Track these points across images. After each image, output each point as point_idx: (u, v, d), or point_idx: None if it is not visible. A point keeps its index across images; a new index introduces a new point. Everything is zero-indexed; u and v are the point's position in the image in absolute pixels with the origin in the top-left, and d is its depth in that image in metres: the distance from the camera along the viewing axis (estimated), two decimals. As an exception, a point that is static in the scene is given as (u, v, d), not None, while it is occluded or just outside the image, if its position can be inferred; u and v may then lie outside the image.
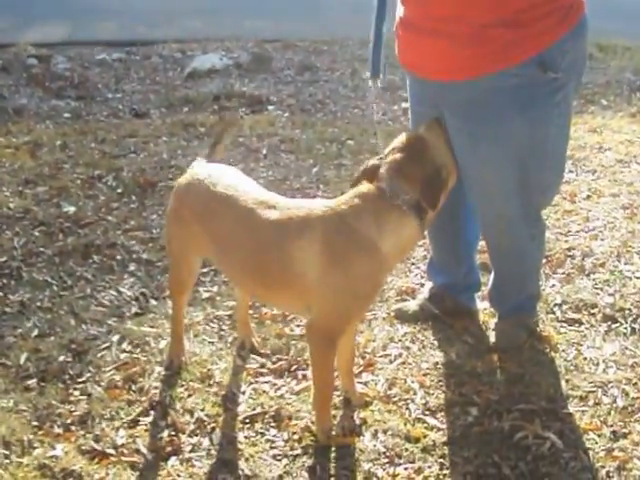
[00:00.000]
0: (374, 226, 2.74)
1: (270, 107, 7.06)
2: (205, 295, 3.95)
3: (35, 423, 3.05)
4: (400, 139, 2.92)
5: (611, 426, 3.08)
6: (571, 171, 5.61)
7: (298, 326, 3.67)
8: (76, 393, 3.23)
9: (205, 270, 4.11)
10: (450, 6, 2.89)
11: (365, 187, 2.82)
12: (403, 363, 3.46)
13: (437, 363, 3.47)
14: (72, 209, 4.76)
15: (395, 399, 3.24)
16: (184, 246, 3.20)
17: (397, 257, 2.93)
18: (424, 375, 3.38)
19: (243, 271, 3.01)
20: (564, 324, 3.78)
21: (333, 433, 3.01)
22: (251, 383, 3.31)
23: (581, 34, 3.01)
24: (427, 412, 3.17)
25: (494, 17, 2.85)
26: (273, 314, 3.77)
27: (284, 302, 3.09)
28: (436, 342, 3.62)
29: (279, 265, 2.81)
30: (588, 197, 5.21)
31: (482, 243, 3.73)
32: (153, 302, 3.91)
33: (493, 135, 3.05)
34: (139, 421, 3.09)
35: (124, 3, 10.68)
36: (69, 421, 3.07)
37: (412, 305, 3.86)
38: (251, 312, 3.66)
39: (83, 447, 2.94)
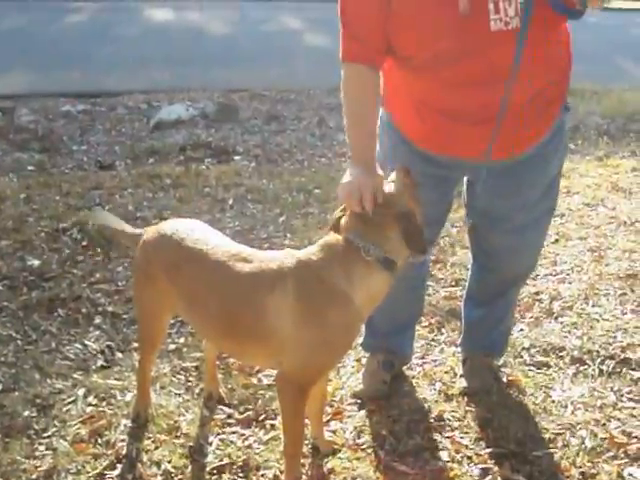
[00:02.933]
0: (344, 278, 2.67)
1: (236, 157, 7.09)
2: (172, 347, 3.92)
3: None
4: None
5: (580, 467, 3.08)
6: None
7: (265, 376, 3.65)
8: (41, 448, 3.18)
9: (172, 322, 4.08)
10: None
11: (332, 238, 2.75)
12: (372, 411, 3.44)
13: (406, 409, 3.45)
14: (36, 262, 4.71)
15: (364, 446, 3.21)
16: (154, 303, 3.13)
17: (370, 308, 2.85)
18: (393, 422, 3.36)
19: (213, 326, 2.94)
20: (532, 367, 3.79)
21: (302, 482, 2.99)
22: (218, 434, 3.27)
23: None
24: (396, 458, 3.14)
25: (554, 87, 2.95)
26: (240, 365, 3.74)
27: (255, 356, 3.00)
28: (404, 389, 3.61)
29: (250, 319, 2.75)
30: (556, 241, 5.25)
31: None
32: (119, 355, 3.87)
33: (537, 182, 3.15)
34: (105, 475, 3.04)
35: (89, 54, 10.71)
36: (34, 476, 3.02)
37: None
38: (218, 363, 3.63)
39: (49, 503, 2.91)
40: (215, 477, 3.03)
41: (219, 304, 2.85)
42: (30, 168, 6.70)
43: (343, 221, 2.75)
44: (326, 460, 3.12)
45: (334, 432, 3.30)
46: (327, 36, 13.75)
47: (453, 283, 4.68)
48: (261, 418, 3.38)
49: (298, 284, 2.67)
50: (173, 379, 3.66)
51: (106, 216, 3.53)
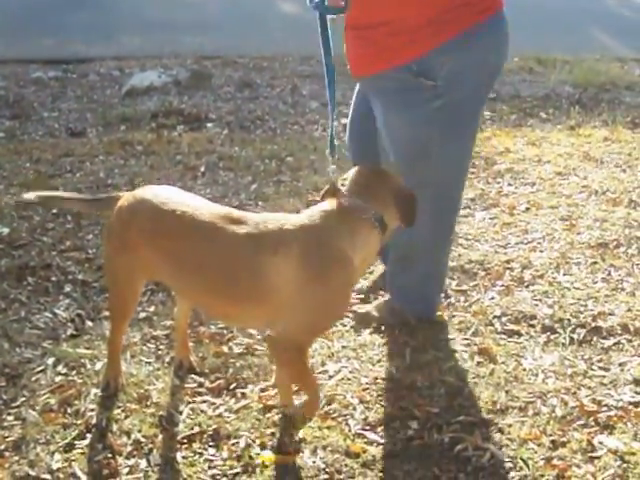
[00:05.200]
0: (348, 240, 2.77)
1: (209, 124, 7.01)
2: (142, 315, 3.90)
3: (-32, 450, 2.99)
4: (359, 168, 3.00)
5: (550, 435, 3.10)
6: (510, 184, 5.67)
7: (236, 345, 3.65)
8: (10, 418, 3.17)
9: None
10: (362, 15, 3.18)
11: (332, 203, 2.84)
12: (342, 379, 3.44)
13: (376, 378, 3.45)
14: (6, 230, 4.67)
15: (334, 415, 3.21)
16: (130, 271, 3.07)
17: (362, 270, 3.00)
18: (363, 390, 3.37)
19: (207, 289, 2.92)
20: (503, 336, 3.79)
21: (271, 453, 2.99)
22: (189, 403, 3.27)
23: (470, 47, 3.14)
24: (367, 427, 3.15)
25: (378, 23, 3.14)
26: (211, 333, 3.73)
27: (249, 318, 3.01)
28: (375, 357, 3.61)
29: (250, 280, 2.76)
30: (527, 209, 5.25)
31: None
32: (89, 323, 3.84)
33: (385, 129, 3.42)
34: (75, 445, 3.03)
35: (60, 20, 10.58)
36: (3, 447, 3.01)
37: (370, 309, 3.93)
38: (189, 332, 3.62)
39: (17, 473, 2.88)
40: (185, 446, 3.03)
41: (215, 267, 2.84)
42: (0, 135, 6.62)
43: (345, 186, 2.89)
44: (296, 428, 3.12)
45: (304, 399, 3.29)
46: (300, 3, 13.68)
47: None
48: (232, 387, 3.37)
49: (304, 247, 2.74)
50: (143, 347, 3.65)
51: (44, 195, 3.42)
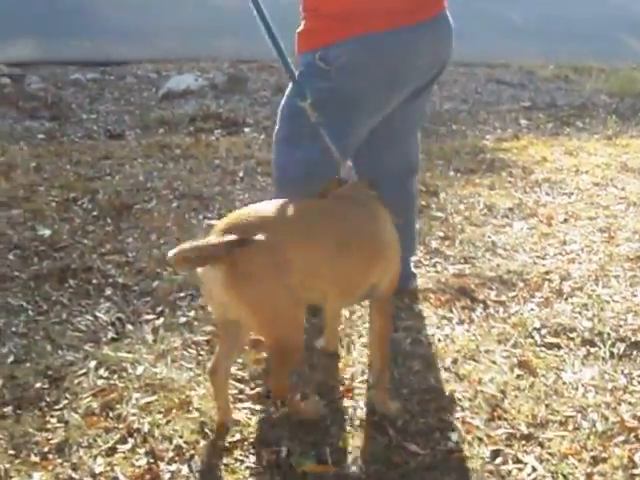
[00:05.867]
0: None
1: (246, 129, 7.05)
2: (182, 320, 3.92)
3: (12, 452, 3.00)
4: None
5: (591, 450, 3.08)
6: (547, 194, 5.66)
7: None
8: (53, 420, 3.18)
9: (182, 294, 4.10)
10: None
11: (355, 185, 3.34)
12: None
13: (416, 388, 3.45)
14: (47, 232, 4.71)
15: (375, 425, 3.22)
16: (295, 295, 2.82)
17: None
18: (404, 400, 3.37)
19: (349, 266, 3.03)
20: (543, 348, 3.78)
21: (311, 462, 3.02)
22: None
23: (362, 46, 3.48)
24: (407, 438, 3.14)
25: (304, 12, 3.63)
26: (251, 340, 3.74)
27: (370, 283, 3.16)
28: (415, 367, 3.61)
29: (374, 244, 3.14)
30: (565, 220, 5.24)
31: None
32: (129, 327, 3.86)
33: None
34: (117, 449, 3.04)
35: (99, 22, 10.63)
36: (46, 449, 3.02)
37: None
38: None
39: (61, 476, 2.89)
40: (227, 453, 3.04)
41: (352, 248, 3.01)
42: (40, 136, 6.67)
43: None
44: (337, 438, 3.13)
45: (345, 410, 3.30)
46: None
47: (462, 261, 4.67)
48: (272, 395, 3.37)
49: (384, 209, 3.26)
50: (184, 353, 3.65)
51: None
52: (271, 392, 3.28)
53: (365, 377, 3.52)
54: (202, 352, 3.67)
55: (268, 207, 2.92)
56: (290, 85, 3.66)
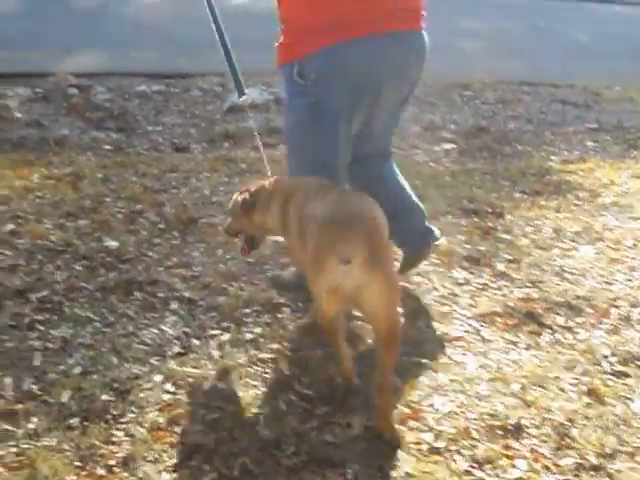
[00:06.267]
0: None
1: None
2: (248, 336, 3.91)
3: (78, 463, 3.01)
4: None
5: (662, 484, 3.03)
6: (615, 218, 5.58)
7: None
8: (119, 434, 3.18)
9: (247, 310, 4.09)
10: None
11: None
12: (448, 413, 3.41)
13: (483, 414, 3.41)
14: (114, 244, 4.73)
15: (441, 450, 3.18)
16: None
17: None
18: (471, 426, 3.33)
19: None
20: (612, 376, 3.73)
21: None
22: (297, 430, 3.25)
23: (331, 60, 3.68)
24: (474, 464, 3.11)
25: (280, 25, 3.88)
26: (319, 358, 3.72)
27: None
28: (482, 392, 3.57)
29: None
30: (634, 245, 5.18)
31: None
32: (195, 342, 3.86)
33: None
34: (182, 465, 3.04)
35: (164, 34, 10.70)
36: (112, 462, 3.03)
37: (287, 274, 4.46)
38: (289, 354, 3.76)
39: (126, 490, 2.91)
40: (292, 473, 3.02)
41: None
42: (107, 147, 6.71)
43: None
44: (402, 464, 3.10)
45: (411, 433, 3.26)
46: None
47: (529, 284, 4.62)
48: (339, 415, 3.35)
49: None
50: (250, 370, 3.64)
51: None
52: (381, 388, 3.25)
53: (431, 401, 3.48)
54: (267, 370, 3.66)
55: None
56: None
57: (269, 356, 3.75)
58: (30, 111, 7.88)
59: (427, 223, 4.43)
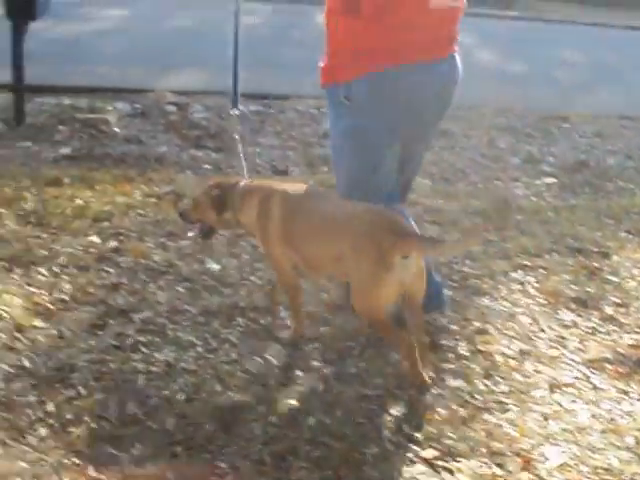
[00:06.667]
0: None
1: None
2: (352, 370, 3.83)
3: (183, 493, 2.96)
4: None
5: None
6: None
7: (445, 408, 3.55)
8: (223, 465, 3.11)
9: (352, 343, 4.01)
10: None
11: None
12: (561, 465, 3.27)
13: (597, 467, 3.27)
14: (216, 267, 4.69)
15: (553, 502, 3.06)
16: None
17: None
18: (584, 479, 3.20)
19: None
20: None
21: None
22: (403, 473, 3.15)
23: (378, 85, 3.74)
24: (589, 520, 2.99)
25: (328, 48, 3.89)
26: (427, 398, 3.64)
27: None
28: (595, 443, 3.43)
29: None
30: None
31: None
32: (299, 373, 3.78)
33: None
34: (288, 502, 2.98)
35: (262, 55, 10.72)
36: (216, 494, 2.97)
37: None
38: (398, 392, 3.66)
39: (231, 524, 2.85)
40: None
41: None
42: (206, 167, 6.72)
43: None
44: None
45: (524, 483, 3.16)
46: (498, 54, 13.57)
47: (638, 330, 4.46)
48: (446, 459, 3.24)
49: None
50: (355, 406, 3.56)
51: None
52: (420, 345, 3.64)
53: (543, 450, 3.36)
54: (373, 407, 3.56)
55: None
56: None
57: (375, 393, 3.66)
58: (129, 126, 7.96)
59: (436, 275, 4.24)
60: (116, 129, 7.89)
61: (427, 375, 3.69)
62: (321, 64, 3.93)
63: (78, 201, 5.59)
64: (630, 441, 3.46)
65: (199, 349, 3.91)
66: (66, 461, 3.07)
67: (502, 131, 8.77)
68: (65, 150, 7.04)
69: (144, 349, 3.86)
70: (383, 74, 3.73)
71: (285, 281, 4.03)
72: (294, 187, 3.97)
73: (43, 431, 3.25)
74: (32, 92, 8.37)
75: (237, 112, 4.44)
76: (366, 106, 3.79)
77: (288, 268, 3.94)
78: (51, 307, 4.18)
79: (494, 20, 18.12)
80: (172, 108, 8.62)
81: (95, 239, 4.98)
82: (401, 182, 4.22)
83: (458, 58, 4.01)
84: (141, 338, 3.94)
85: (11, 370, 3.63)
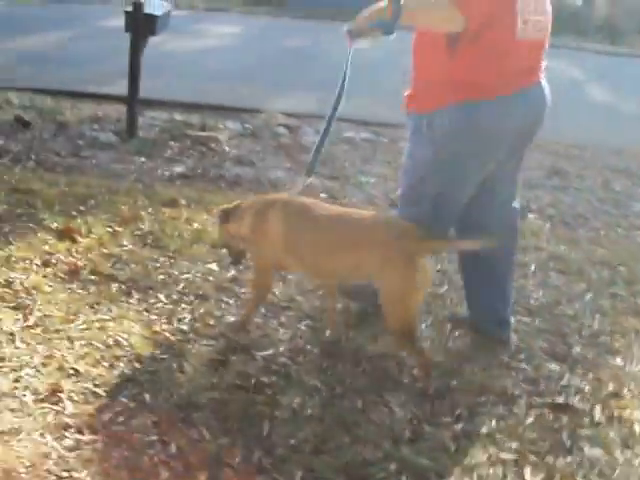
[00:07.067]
0: None
1: (530, 215, 6.70)
2: (484, 429, 3.62)
3: None
4: None
5: None
6: None
7: None
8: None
9: (482, 399, 3.83)
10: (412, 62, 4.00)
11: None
12: None
13: None
14: (339, 306, 4.52)
15: None
16: None
17: None
18: None
19: None
20: None
21: None
22: None
23: (461, 116, 3.74)
24: None
25: (414, 77, 3.97)
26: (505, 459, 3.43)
27: None
28: None
29: None
30: None
31: None
32: (427, 428, 3.58)
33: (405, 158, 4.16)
34: None
35: (374, 81, 10.59)
36: None
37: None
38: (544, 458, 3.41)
39: None
40: None
41: None
42: (322, 195, 6.57)
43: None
44: None
45: None
46: (609, 91, 13.24)
47: None
48: None
49: None
50: (490, 471, 3.35)
51: None
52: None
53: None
54: (509, 473, 3.36)
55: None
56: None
57: (510, 457, 3.45)
58: (239, 146, 7.92)
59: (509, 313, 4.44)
60: (226, 148, 7.84)
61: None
62: (407, 92, 4.00)
63: (195, 224, 5.48)
64: None
65: (324, 394, 3.74)
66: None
67: (617, 173, 8.51)
68: (179, 169, 6.99)
69: (268, 390, 3.70)
70: (463, 106, 3.74)
71: (263, 283, 4.21)
72: (295, 198, 4.16)
73: (166, 474, 3.11)
74: (145, 106, 8.37)
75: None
76: (447, 136, 3.81)
77: (271, 272, 4.22)
78: (171, 338, 4.06)
79: (603, 56, 17.75)
80: (283, 130, 8.55)
81: (214, 267, 4.85)
82: (497, 204, 4.22)
83: (545, 84, 3.99)
84: (264, 379, 3.78)
85: (131, 404, 3.51)
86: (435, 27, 3.74)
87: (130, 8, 7.38)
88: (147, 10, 7.42)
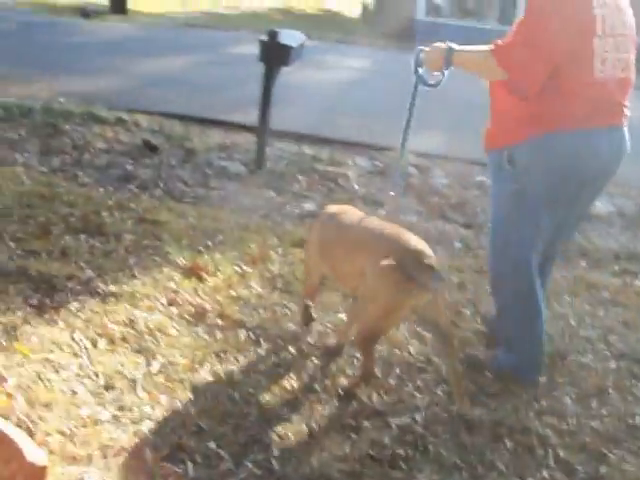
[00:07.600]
0: None
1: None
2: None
3: None
4: None
5: None
6: None
7: None
8: None
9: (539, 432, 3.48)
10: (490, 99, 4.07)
11: None
12: None
13: None
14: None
15: None
16: None
17: None
18: None
19: None
20: None
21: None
22: None
23: (540, 149, 3.77)
24: None
25: (493, 112, 4.05)
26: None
27: None
28: None
29: None
30: None
31: None
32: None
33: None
34: None
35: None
36: None
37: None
38: None
39: None
40: None
41: None
42: (457, 245, 6.28)
43: None
44: None
45: None
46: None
47: None
48: None
49: None
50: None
51: None
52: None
53: None
54: None
55: None
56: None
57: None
58: (368, 185, 7.69)
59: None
60: (355, 186, 7.64)
61: (467, 403, 3.83)
62: (485, 129, 4.07)
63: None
64: None
65: (464, 473, 3.44)
66: None
67: None
68: (308, 205, 6.79)
69: (404, 465, 3.41)
70: (542, 139, 3.76)
71: (312, 282, 4.35)
72: (339, 208, 4.32)
73: None
74: (274, 136, 8.23)
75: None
76: (527, 170, 3.85)
77: (318, 275, 4.29)
78: (300, 397, 3.81)
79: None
80: (413, 170, 8.27)
81: (345, 318, 4.59)
82: (556, 243, 4.29)
83: (626, 132, 3.95)
84: (400, 450, 3.49)
85: (257, 471, 3.26)
86: (484, 78, 4.00)
87: (266, 37, 7.24)
88: (283, 40, 7.27)
